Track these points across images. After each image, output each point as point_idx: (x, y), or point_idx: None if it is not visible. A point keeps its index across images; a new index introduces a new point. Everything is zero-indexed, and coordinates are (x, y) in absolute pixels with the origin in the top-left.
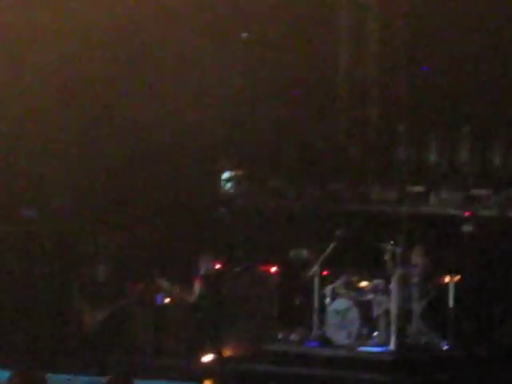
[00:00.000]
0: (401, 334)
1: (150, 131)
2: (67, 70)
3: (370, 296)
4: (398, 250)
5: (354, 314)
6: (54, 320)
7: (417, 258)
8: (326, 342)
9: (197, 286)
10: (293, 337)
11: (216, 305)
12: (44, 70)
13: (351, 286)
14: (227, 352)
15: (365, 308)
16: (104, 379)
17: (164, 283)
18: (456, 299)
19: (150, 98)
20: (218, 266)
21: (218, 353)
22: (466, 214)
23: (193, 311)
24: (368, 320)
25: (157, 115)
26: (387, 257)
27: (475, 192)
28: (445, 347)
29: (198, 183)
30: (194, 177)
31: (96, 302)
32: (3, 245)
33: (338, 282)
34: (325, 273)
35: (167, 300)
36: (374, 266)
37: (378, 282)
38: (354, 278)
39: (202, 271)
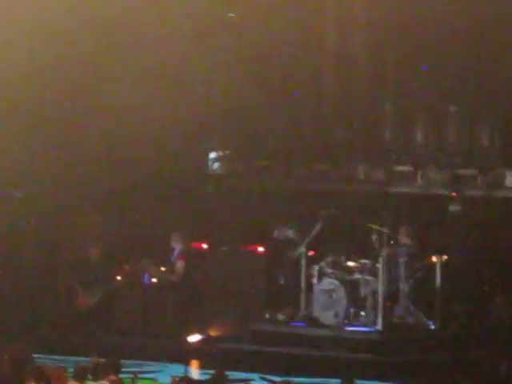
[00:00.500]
0: (388, 313)
1: (138, 113)
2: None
3: (357, 276)
4: (385, 230)
5: (341, 293)
6: (44, 301)
7: (404, 237)
8: (312, 321)
9: (179, 266)
10: (280, 317)
11: (195, 284)
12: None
13: (338, 266)
14: (214, 332)
15: (352, 288)
16: (92, 360)
17: (148, 264)
18: (443, 279)
19: (137, 80)
20: (204, 246)
21: (205, 333)
22: (453, 193)
23: (176, 291)
24: (355, 300)
25: (145, 97)
26: (374, 237)
27: (462, 172)
28: (432, 327)
29: (185, 163)
30: (182, 157)
31: (89, 285)
32: None
33: (325, 262)
34: (312, 252)
35: (154, 280)
36: (360, 246)
37: (365, 261)
38: (341, 258)
39: (176, 250)
